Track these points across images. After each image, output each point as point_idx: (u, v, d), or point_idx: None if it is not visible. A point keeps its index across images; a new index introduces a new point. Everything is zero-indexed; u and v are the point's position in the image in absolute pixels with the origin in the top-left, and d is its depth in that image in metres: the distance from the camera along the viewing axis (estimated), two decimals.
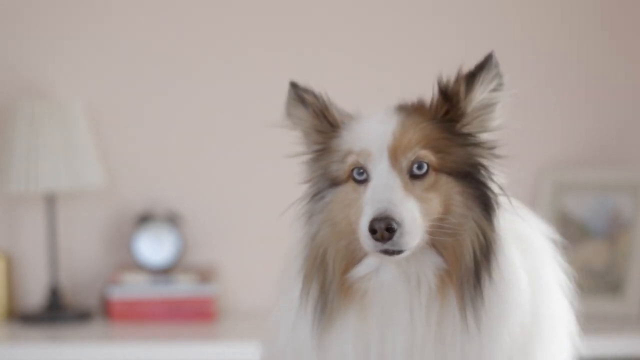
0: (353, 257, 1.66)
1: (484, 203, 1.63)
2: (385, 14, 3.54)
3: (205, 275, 3.45)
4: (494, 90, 1.66)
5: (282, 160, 3.75)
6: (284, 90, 3.83)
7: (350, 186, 1.66)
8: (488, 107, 1.67)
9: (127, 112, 3.54)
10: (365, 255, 1.65)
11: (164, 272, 3.45)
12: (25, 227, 3.54)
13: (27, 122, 3.34)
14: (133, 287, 3.41)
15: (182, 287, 3.41)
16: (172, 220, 3.47)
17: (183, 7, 3.54)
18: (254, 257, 3.55)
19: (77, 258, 3.55)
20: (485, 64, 1.65)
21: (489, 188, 1.64)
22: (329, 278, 1.66)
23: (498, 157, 1.67)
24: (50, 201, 3.44)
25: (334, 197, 1.68)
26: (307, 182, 1.73)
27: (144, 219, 3.47)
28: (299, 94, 1.73)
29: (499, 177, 1.67)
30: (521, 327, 1.63)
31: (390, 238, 1.57)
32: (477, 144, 1.66)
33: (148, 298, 3.41)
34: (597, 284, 3.36)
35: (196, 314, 3.41)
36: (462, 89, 1.66)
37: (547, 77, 3.51)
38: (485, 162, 1.66)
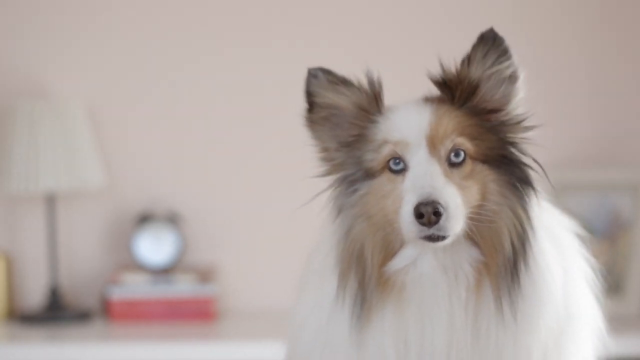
0: (390, 250, 1.66)
1: (519, 190, 1.64)
2: (388, 9, 3.54)
3: (205, 275, 3.45)
4: (497, 63, 1.66)
5: (282, 161, 3.75)
6: (283, 91, 3.82)
7: (385, 177, 1.65)
8: (502, 80, 1.67)
9: (127, 112, 3.54)
10: (401, 247, 1.65)
11: (164, 272, 3.45)
12: (25, 227, 3.54)
13: (27, 122, 3.34)
14: (133, 287, 3.41)
15: (182, 287, 3.41)
16: (172, 220, 3.47)
17: (183, 7, 3.54)
18: (254, 257, 3.55)
19: (77, 258, 3.55)
20: (477, 42, 1.66)
21: (524, 167, 1.65)
22: (367, 272, 1.65)
23: (529, 129, 1.67)
24: (50, 201, 3.44)
25: (369, 189, 1.66)
26: (335, 171, 1.70)
27: (144, 219, 3.46)
28: (339, 77, 1.69)
29: (531, 154, 1.67)
30: (556, 319, 1.64)
31: (436, 222, 1.57)
32: (505, 122, 1.67)
33: (148, 298, 3.41)
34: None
35: (196, 314, 3.40)
36: (455, 72, 1.67)
37: (546, 77, 3.51)
38: (516, 138, 1.66)
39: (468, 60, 1.66)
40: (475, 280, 1.64)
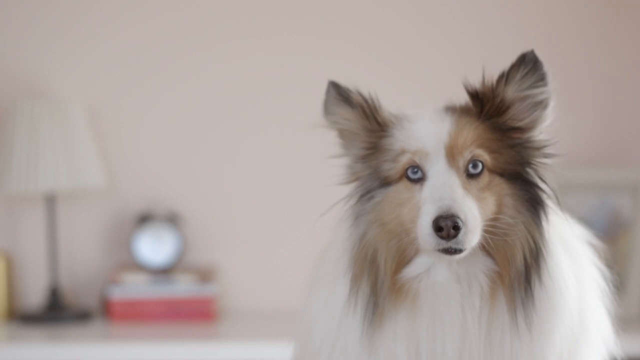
0: (403, 257, 1.66)
1: (533, 207, 1.65)
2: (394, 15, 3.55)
3: (205, 275, 3.45)
4: (533, 87, 1.68)
5: (282, 161, 3.75)
6: (282, 91, 3.82)
7: (402, 185, 1.66)
8: (534, 104, 1.69)
9: (127, 112, 3.55)
10: (415, 255, 1.65)
11: (164, 272, 3.45)
12: (25, 227, 3.54)
13: (27, 122, 3.34)
14: (133, 287, 3.41)
15: (182, 287, 3.41)
16: (172, 220, 3.47)
17: (184, 8, 3.54)
18: (254, 257, 3.55)
19: (77, 258, 3.55)
20: (518, 62, 1.67)
21: (538, 189, 1.66)
22: (380, 278, 1.65)
23: (548, 156, 1.69)
24: (50, 201, 3.44)
25: (384, 196, 1.66)
26: (353, 181, 1.71)
27: (144, 219, 3.47)
28: (343, 94, 1.70)
29: (547, 179, 1.68)
30: (571, 329, 1.65)
31: (455, 236, 1.57)
32: (527, 144, 1.68)
33: (148, 298, 3.41)
34: None
35: (196, 314, 3.41)
36: (491, 87, 1.67)
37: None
38: (535, 161, 1.68)
39: (506, 78, 1.67)
40: (489, 289, 1.64)
